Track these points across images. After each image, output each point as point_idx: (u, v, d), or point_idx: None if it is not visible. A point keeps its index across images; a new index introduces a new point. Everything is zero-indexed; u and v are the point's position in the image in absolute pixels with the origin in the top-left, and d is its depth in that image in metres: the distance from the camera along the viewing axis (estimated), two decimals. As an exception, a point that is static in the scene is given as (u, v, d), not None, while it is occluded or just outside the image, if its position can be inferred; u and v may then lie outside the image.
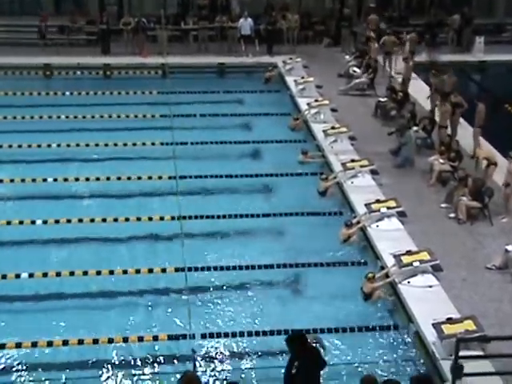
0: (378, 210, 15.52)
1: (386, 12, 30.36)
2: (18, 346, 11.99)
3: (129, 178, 17.79)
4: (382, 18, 28.43)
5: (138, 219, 15.89)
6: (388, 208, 15.60)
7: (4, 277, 13.72)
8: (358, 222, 15.43)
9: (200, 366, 11.71)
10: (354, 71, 24.72)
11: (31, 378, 11.53)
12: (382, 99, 22.13)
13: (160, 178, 17.66)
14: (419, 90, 23.23)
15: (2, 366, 11.81)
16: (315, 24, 30.47)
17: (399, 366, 11.89)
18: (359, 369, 11.67)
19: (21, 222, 15.68)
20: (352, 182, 17.25)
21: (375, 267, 14.22)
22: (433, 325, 11.71)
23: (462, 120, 19.79)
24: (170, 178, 17.00)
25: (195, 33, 29.14)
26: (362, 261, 14.63)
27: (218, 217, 16.05)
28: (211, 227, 15.91)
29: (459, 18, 29.33)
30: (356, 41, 27.93)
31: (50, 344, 12.02)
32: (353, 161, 17.85)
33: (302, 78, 24.38)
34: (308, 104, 21.76)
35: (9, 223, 15.65)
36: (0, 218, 15.79)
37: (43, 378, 11.52)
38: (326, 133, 19.64)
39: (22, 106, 22.64)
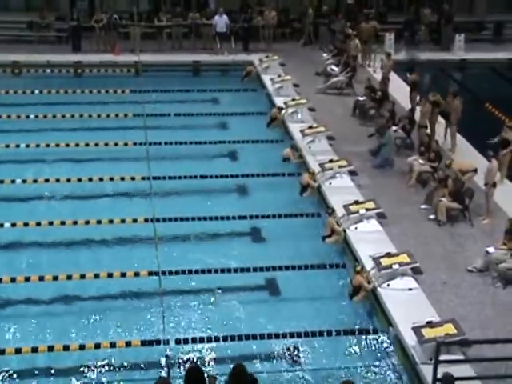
0: (357, 212, 15.33)
1: (365, 9, 30.15)
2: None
3: (101, 179, 17.46)
4: (361, 15, 28.23)
5: (111, 221, 15.55)
6: (367, 209, 15.43)
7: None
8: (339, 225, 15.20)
9: (174, 372, 11.35)
10: (332, 69, 24.54)
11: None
12: (360, 98, 21.94)
13: (133, 178, 17.33)
14: (398, 89, 23.07)
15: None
16: (293, 21, 30.18)
17: (378, 370, 11.74)
18: (337, 373, 11.47)
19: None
20: (330, 183, 17.05)
21: (354, 270, 13.95)
22: (412, 328, 11.59)
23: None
24: (143, 178, 16.73)
25: (169, 30, 28.70)
26: (341, 263, 14.44)
27: (193, 219, 15.77)
28: (186, 230, 15.60)
29: (430, 12, 29.27)
30: (334, 38, 27.70)
31: (18, 351, 11.66)
32: (331, 161, 17.66)
33: (279, 76, 24.16)
34: (285, 103, 21.51)
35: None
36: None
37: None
38: (304, 133, 19.43)
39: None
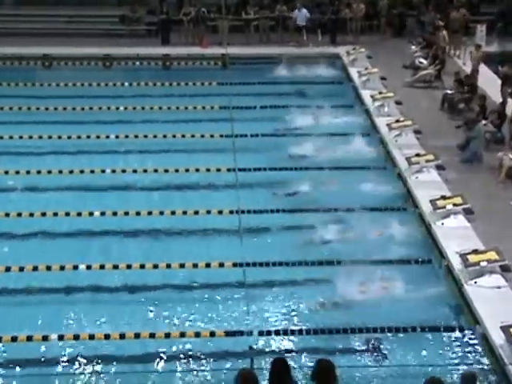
0: (444, 207, 15.07)
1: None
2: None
3: (187, 171, 17.67)
4: (451, 6, 27.73)
5: (196, 212, 15.67)
6: (454, 205, 15.13)
7: (62, 268, 13.71)
8: None
9: (257, 363, 11.32)
10: (421, 62, 24.24)
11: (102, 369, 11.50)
12: (449, 91, 21.62)
13: (219, 170, 17.48)
14: (489, 82, 22.55)
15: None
16: (380, 13, 29.87)
17: (464, 369, 11.36)
18: (421, 371, 11.22)
19: (79, 214, 15.69)
20: (417, 178, 16.84)
21: (439, 266, 13.82)
22: (501, 327, 11.30)
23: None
24: (228, 170, 16.81)
25: (256, 23, 28.89)
26: (426, 259, 14.20)
27: (278, 211, 15.76)
28: (271, 221, 15.60)
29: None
30: (423, 30, 27.32)
31: (107, 337, 11.92)
32: (418, 155, 17.41)
33: (366, 69, 24.00)
34: (372, 96, 21.35)
35: (67, 214, 15.67)
36: (59, 209, 15.76)
37: (98, 371, 11.47)
38: (390, 126, 19.25)
39: (82, 97, 22.74)
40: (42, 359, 11.62)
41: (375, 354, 11.85)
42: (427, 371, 11.16)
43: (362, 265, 13.82)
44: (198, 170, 17.67)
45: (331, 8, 28.97)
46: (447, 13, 27.01)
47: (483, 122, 18.73)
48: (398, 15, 29.37)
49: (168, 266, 13.82)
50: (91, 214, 15.66)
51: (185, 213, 15.67)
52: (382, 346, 11.96)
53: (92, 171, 17.59)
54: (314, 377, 7.94)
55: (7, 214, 15.60)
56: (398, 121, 19.54)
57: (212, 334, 12.05)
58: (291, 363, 11.07)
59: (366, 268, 13.80)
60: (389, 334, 12.08)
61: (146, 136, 19.67)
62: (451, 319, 12.66)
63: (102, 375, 11.36)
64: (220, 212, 15.60)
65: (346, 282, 13.65)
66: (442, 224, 14.86)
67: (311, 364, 10.78)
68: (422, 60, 24.35)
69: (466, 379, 9.06)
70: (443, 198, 15.37)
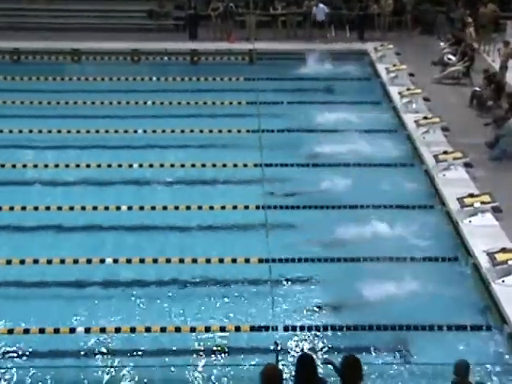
0: (472, 205, 14.97)
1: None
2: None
3: (214, 166, 17.70)
4: (480, 3, 27.50)
5: (223, 208, 15.73)
6: (482, 203, 15.02)
7: (89, 261, 13.83)
8: None
9: (283, 359, 11.27)
10: (449, 59, 24.09)
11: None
12: (478, 88, 21.44)
13: (245, 165, 17.49)
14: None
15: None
16: (406, 9, 29.66)
17: (491, 369, 11.34)
18: (447, 370, 11.02)
19: (106, 208, 15.78)
20: (444, 175, 16.74)
21: (466, 264, 13.75)
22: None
23: None
24: (255, 165, 16.83)
25: (283, 18, 28.85)
26: (453, 257, 14.12)
27: (304, 207, 15.76)
28: (297, 217, 15.60)
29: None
30: (453, 27, 27.12)
31: (132, 330, 12.01)
32: (445, 153, 17.29)
33: (394, 65, 23.90)
34: (400, 93, 21.24)
35: (95, 208, 15.74)
36: (87, 203, 15.88)
37: (123, 364, 11.53)
38: (418, 123, 19.15)
39: (110, 92, 22.85)
40: (69, 351, 11.75)
41: (402, 351, 11.80)
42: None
43: (387, 262, 13.81)
44: (224, 166, 17.70)
45: (359, 4, 28.85)
46: (476, 8, 26.81)
47: (513, 119, 18.59)
48: (426, 11, 29.15)
49: (194, 260, 13.88)
50: (118, 208, 15.76)
51: (211, 208, 15.74)
52: (408, 345, 11.90)
53: (119, 165, 17.69)
54: (340, 373, 7.95)
55: (36, 208, 15.77)
56: (425, 118, 19.43)
57: (237, 329, 12.08)
58: (316, 359, 11.18)
59: (393, 265, 13.78)
60: (415, 332, 12.02)
61: (173, 131, 19.73)
62: (478, 318, 12.55)
63: (127, 368, 11.41)
64: (246, 207, 15.64)
65: (372, 280, 13.64)
66: (470, 222, 14.77)
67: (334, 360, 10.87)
68: (450, 56, 24.20)
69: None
70: (471, 195, 15.27)
